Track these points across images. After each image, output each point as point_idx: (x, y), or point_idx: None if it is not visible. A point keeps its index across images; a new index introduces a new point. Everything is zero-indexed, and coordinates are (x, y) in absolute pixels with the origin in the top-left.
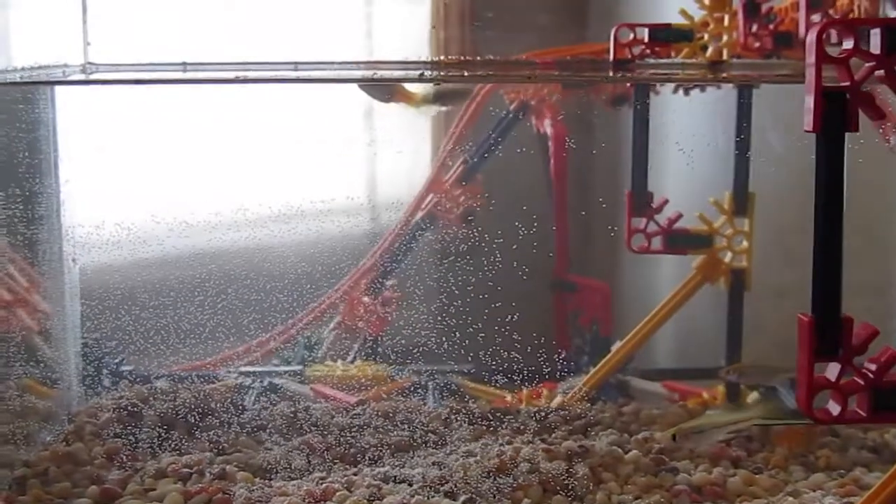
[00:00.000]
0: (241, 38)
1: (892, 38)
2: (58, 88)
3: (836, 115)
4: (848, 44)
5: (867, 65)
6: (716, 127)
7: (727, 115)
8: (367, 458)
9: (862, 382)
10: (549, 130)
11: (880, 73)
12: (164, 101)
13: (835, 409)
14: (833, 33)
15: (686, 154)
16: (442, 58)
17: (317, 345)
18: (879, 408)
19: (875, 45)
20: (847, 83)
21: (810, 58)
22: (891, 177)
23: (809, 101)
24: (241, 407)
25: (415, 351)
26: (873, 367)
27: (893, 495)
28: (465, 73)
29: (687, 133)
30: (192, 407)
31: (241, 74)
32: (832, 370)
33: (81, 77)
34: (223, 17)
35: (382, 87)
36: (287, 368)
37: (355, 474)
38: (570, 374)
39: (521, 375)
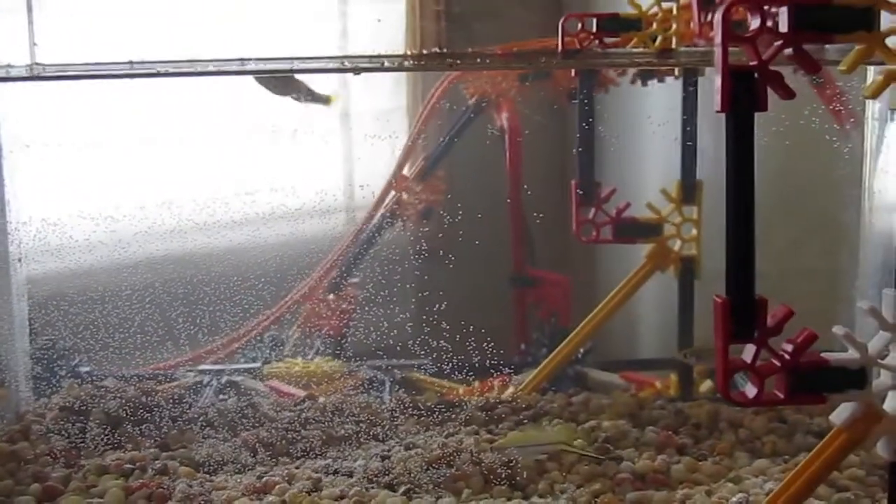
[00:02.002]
0: (213, 39)
1: (800, 16)
2: (1, 88)
3: (745, 95)
4: (755, 22)
5: (776, 43)
6: (663, 116)
7: (674, 105)
8: (311, 452)
9: (779, 364)
10: (505, 124)
11: (788, 51)
12: (111, 99)
13: (752, 391)
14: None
15: (634, 143)
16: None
17: (279, 343)
18: (797, 389)
19: (783, 23)
20: (755, 62)
21: (717, 37)
22: (835, 162)
23: (718, 81)
24: (189, 404)
25: (374, 347)
26: (790, 348)
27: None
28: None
29: (635, 122)
30: (140, 405)
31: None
32: (748, 352)
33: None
34: (188, 18)
35: (282, 81)
36: (245, 366)
37: (297, 468)
38: (529, 367)
39: (479, 369)
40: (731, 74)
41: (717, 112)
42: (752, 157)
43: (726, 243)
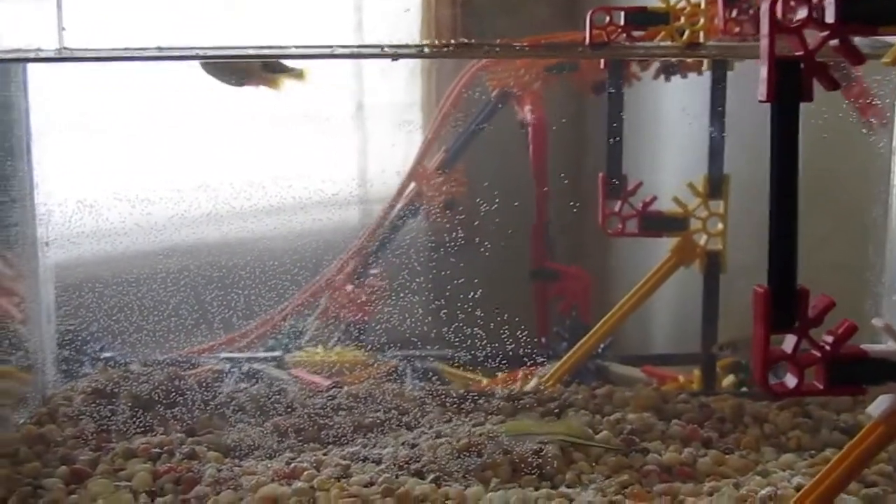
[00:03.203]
0: (228, 27)
1: (846, 8)
2: (30, 70)
3: (791, 85)
4: (802, 13)
5: (821, 34)
6: (691, 110)
7: (703, 99)
8: (338, 439)
9: (819, 355)
10: (529, 117)
11: (834, 42)
12: (140, 82)
13: (791, 381)
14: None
15: (663, 137)
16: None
17: (301, 332)
18: (836, 381)
19: (829, 14)
20: (801, 52)
21: (764, 27)
22: (868, 158)
23: (763, 71)
24: (215, 390)
25: (396, 337)
26: (830, 339)
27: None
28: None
29: (664, 116)
30: (167, 390)
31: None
32: (789, 342)
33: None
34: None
35: (234, 69)
36: (268, 354)
37: (325, 454)
38: (551, 360)
39: (500, 361)
40: (776, 64)
41: (761, 101)
42: (797, 147)
43: (769, 233)
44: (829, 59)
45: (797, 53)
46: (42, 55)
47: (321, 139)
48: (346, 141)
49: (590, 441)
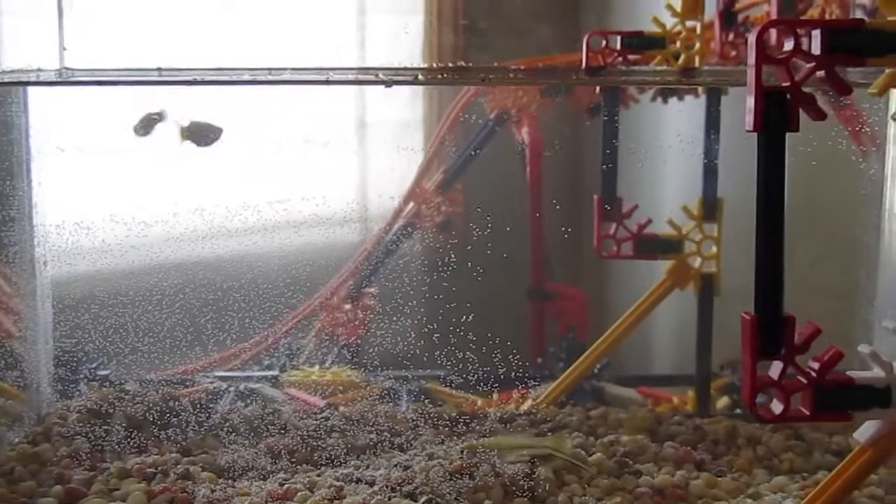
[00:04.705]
0: (228, 48)
1: (832, 39)
2: (31, 91)
3: (777, 115)
4: (789, 45)
5: (808, 65)
6: (687, 133)
7: (697, 122)
8: (331, 460)
9: (805, 381)
10: (525, 139)
11: (820, 73)
12: (139, 104)
13: (778, 407)
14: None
15: (656, 160)
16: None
17: (296, 352)
18: (822, 406)
19: (816, 46)
20: (788, 83)
21: (751, 58)
22: (856, 183)
23: (750, 101)
24: (209, 410)
25: (390, 357)
26: (816, 365)
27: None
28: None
29: (659, 139)
30: (161, 409)
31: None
32: (775, 369)
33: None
34: (213, 28)
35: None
36: (263, 373)
37: (318, 475)
38: (546, 381)
39: (495, 382)
40: (763, 95)
41: (748, 132)
42: (783, 175)
43: (755, 260)
44: (818, 87)
45: (784, 84)
46: (42, 77)
47: (319, 158)
48: (344, 160)
49: (577, 460)
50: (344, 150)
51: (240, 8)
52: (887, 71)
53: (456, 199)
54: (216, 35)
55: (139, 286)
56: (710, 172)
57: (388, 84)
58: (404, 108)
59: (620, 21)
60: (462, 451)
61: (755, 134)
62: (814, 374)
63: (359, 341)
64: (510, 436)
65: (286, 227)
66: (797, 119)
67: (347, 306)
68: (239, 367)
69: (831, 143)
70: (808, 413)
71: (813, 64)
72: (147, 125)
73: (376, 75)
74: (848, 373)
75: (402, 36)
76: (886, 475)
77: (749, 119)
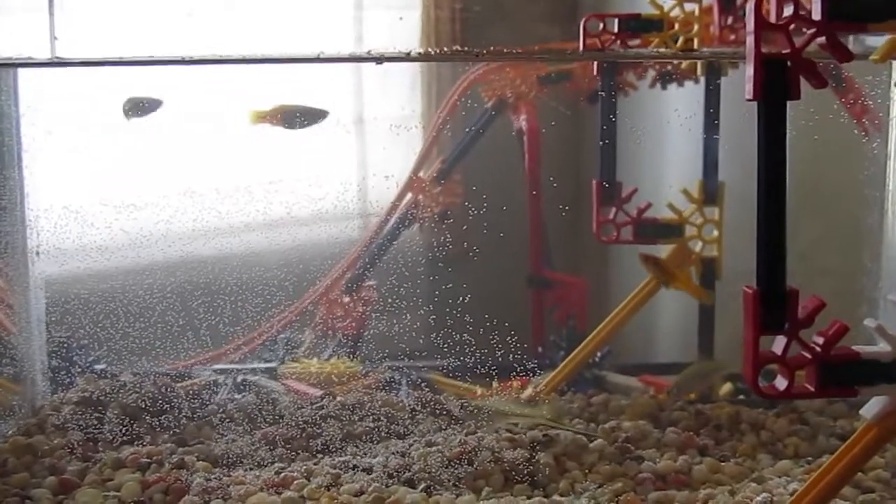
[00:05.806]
0: (223, 43)
1: (833, 5)
2: (21, 78)
3: (778, 83)
4: (788, 10)
5: (808, 32)
6: (686, 117)
7: (697, 106)
8: (329, 448)
9: (810, 356)
10: (524, 126)
11: (821, 40)
12: (131, 90)
13: (782, 383)
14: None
15: (658, 144)
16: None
17: (295, 344)
18: (827, 382)
19: (816, 11)
20: (788, 50)
21: (750, 25)
22: (862, 164)
23: (750, 70)
24: (205, 400)
25: (389, 348)
26: (821, 340)
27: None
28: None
29: (658, 124)
30: (156, 400)
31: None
32: (779, 344)
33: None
34: (207, 23)
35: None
36: (262, 366)
37: (316, 464)
38: (546, 370)
39: (495, 371)
40: (763, 63)
41: (748, 100)
42: (784, 146)
43: (757, 233)
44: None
45: (784, 51)
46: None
47: (318, 149)
48: (343, 151)
49: (568, 427)
50: (343, 139)
51: (238, 6)
52: (889, 37)
53: (455, 189)
54: (210, 30)
55: (134, 277)
56: (710, 155)
57: (380, 60)
58: (403, 99)
59: (619, 4)
60: (461, 407)
61: (755, 103)
62: (818, 349)
63: (359, 331)
64: (507, 404)
65: (285, 220)
66: (798, 87)
67: (345, 299)
68: (239, 359)
69: (837, 123)
70: (812, 389)
71: (814, 30)
72: (136, 108)
73: (368, 52)
74: (853, 347)
75: (399, 31)
76: (893, 458)
77: (748, 88)
